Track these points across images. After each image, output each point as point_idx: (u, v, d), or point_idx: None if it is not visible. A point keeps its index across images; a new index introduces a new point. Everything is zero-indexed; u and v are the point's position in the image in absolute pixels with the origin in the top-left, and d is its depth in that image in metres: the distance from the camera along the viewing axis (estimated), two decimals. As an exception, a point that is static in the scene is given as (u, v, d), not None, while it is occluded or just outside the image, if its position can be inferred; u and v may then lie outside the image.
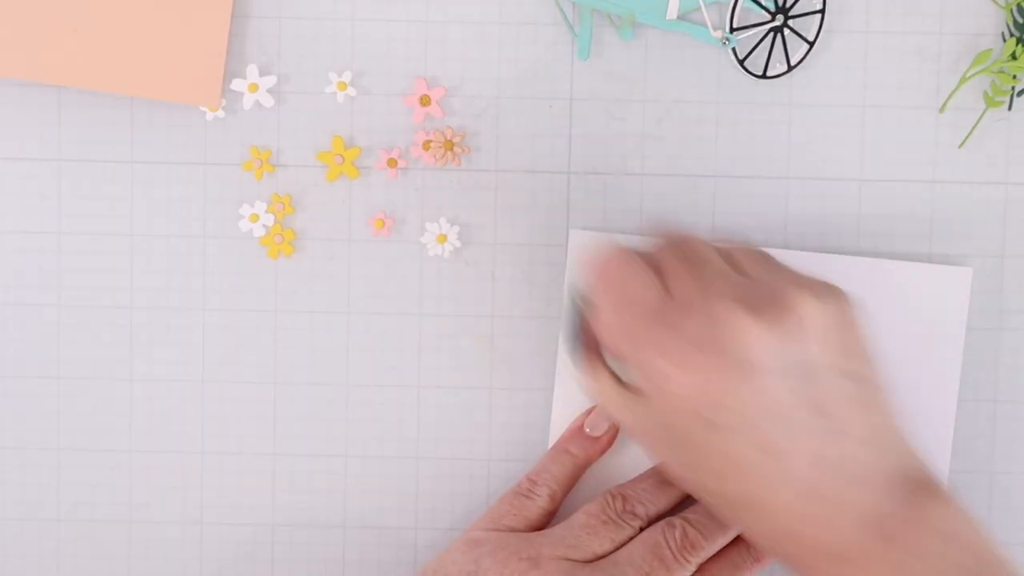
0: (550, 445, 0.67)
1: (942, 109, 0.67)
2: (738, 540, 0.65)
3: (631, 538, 0.63)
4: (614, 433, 0.66)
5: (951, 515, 0.55)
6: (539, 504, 0.65)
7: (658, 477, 0.65)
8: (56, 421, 0.68)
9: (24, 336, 0.67)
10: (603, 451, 0.66)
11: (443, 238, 0.67)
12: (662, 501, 0.64)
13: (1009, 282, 0.67)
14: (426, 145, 0.66)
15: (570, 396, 0.67)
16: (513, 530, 0.64)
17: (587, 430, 0.66)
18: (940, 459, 0.67)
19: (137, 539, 0.68)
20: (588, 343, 0.62)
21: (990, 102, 0.66)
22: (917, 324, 0.66)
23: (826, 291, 0.57)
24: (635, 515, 0.63)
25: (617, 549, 0.63)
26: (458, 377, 0.68)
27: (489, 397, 0.68)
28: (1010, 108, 0.66)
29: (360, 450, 0.68)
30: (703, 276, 0.57)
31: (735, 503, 0.57)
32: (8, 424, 0.68)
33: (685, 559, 0.62)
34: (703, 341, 0.55)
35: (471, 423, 0.68)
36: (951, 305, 0.66)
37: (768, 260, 0.60)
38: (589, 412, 0.66)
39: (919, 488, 0.56)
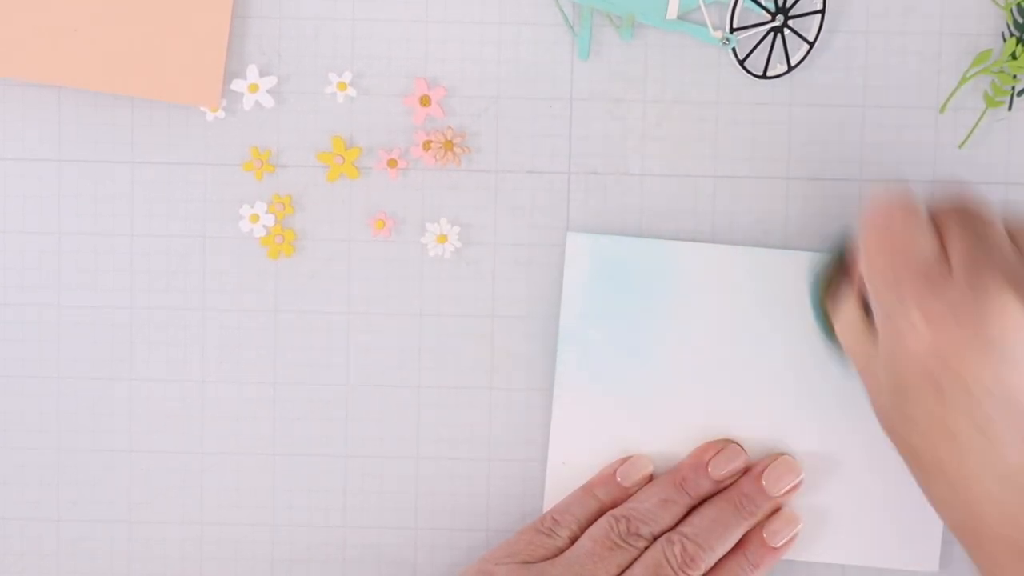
0: (550, 448, 0.67)
1: (942, 109, 0.67)
2: (736, 549, 0.65)
3: (636, 559, 0.63)
4: (643, 485, 0.66)
5: None
6: (558, 544, 0.65)
7: (661, 495, 0.65)
8: (56, 421, 0.68)
9: (24, 336, 0.67)
10: (628, 498, 0.66)
11: (443, 238, 0.67)
12: (665, 519, 0.64)
13: (1009, 282, 0.67)
14: (426, 145, 0.66)
15: (570, 397, 0.67)
16: (525, 563, 0.64)
17: (618, 479, 0.66)
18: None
19: (137, 539, 0.68)
20: (841, 276, 0.63)
21: (990, 102, 0.66)
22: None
23: None
24: (639, 535, 0.64)
25: (622, 573, 0.63)
26: (458, 377, 0.68)
27: (489, 397, 0.68)
28: (1010, 108, 0.66)
29: (360, 450, 0.68)
30: (982, 247, 0.56)
31: (933, 469, 0.57)
32: (8, 424, 0.68)
33: (686, 575, 0.62)
34: (962, 309, 0.55)
35: (471, 423, 0.68)
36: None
37: None
38: (624, 461, 0.66)
39: None
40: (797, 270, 0.66)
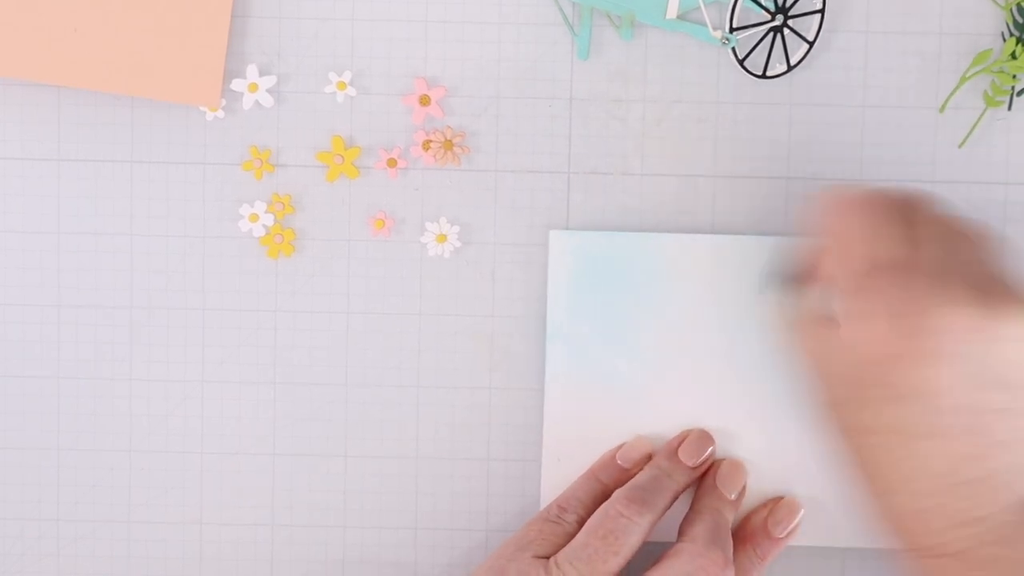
0: (544, 445, 0.67)
1: (942, 109, 0.67)
2: (743, 543, 0.65)
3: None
4: (644, 465, 0.66)
5: None
6: (567, 529, 0.64)
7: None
8: (56, 421, 0.68)
9: (24, 336, 0.68)
10: (630, 479, 0.66)
11: (443, 238, 0.67)
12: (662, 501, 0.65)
13: (1009, 282, 0.67)
14: (426, 145, 0.66)
15: (561, 393, 0.67)
16: (538, 557, 0.63)
17: (619, 461, 0.66)
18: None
19: (137, 539, 0.68)
20: (800, 267, 0.63)
21: (990, 102, 0.66)
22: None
23: None
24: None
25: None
26: (458, 377, 0.68)
27: (489, 397, 0.68)
28: (1010, 108, 0.66)
29: (360, 450, 0.68)
30: (956, 251, 0.57)
31: (867, 458, 0.58)
32: (8, 424, 0.68)
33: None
34: (930, 313, 0.55)
35: (471, 423, 0.68)
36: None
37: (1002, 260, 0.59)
38: (621, 446, 0.66)
39: None
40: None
